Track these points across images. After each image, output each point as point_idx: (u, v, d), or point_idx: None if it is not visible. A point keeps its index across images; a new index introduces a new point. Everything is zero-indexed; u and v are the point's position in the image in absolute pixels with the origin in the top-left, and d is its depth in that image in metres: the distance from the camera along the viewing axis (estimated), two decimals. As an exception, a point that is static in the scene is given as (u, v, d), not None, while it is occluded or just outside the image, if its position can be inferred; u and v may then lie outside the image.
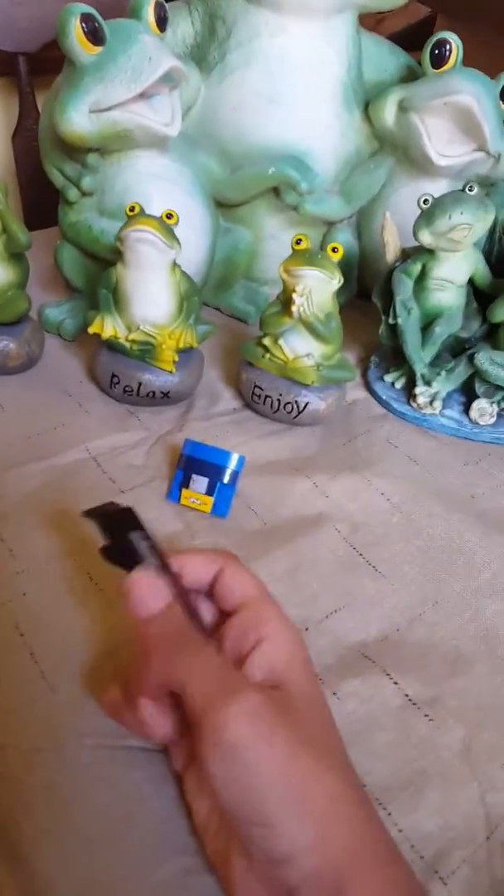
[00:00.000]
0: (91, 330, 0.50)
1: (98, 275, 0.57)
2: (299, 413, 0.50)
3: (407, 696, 0.36)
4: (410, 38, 0.85)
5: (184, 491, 0.45)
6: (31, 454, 0.48)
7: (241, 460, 0.45)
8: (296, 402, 0.50)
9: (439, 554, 0.44)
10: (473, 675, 0.38)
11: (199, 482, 0.45)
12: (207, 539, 0.43)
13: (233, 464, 0.45)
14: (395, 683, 0.37)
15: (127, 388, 0.51)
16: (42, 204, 0.86)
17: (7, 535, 0.42)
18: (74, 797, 0.31)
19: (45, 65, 0.79)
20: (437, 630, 0.40)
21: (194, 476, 0.45)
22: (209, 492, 0.45)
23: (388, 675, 0.37)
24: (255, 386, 0.51)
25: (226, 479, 0.45)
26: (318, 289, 0.46)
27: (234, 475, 0.45)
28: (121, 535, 0.32)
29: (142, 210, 0.46)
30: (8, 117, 0.88)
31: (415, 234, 0.49)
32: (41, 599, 0.39)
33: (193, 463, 0.45)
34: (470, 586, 0.43)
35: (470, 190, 0.47)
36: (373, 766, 0.33)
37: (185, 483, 0.45)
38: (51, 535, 0.43)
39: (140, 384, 0.51)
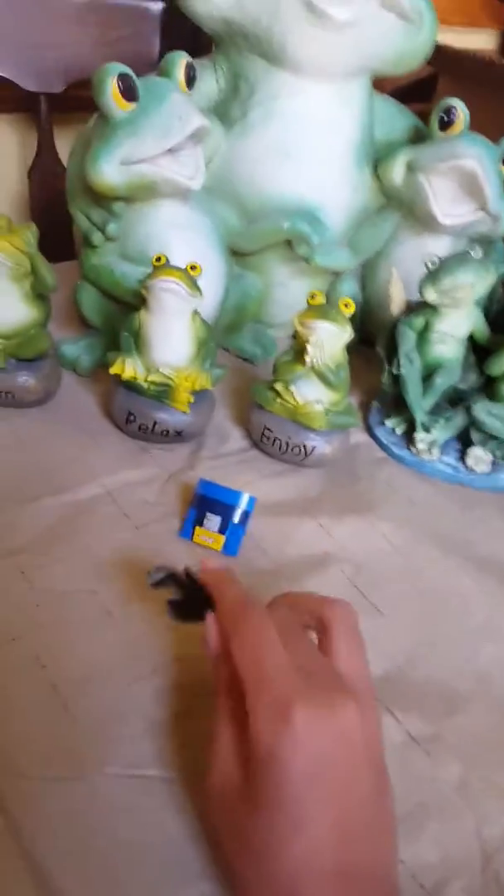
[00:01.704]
0: (112, 370, 0.52)
1: (116, 315, 0.59)
2: (307, 456, 0.53)
3: (408, 732, 0.39)
4: (413, 92, 0.90)
5: (197, 529, 0.47)
6: (48, 488, 0.50)
7: (253, 501, 0.47)
8: (304, 445, 0.53)
9: (436, 596, 0.47)
10: (470, 714, 0.40)
11: (213, 521, 0.47)
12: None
13: (244, 504, 0.47)
14: (398, 721, 0.39)
15: (142, 426, 0.54)
16: (55, 238, 0.89)
17: (26, 568, 0.44)
18: (96, 825, 0.33)
19: (66, 103, 0.82)
20: (436, 669, 0.42)
21: (208, 514, 0.47)
22: (221, 530, 0.47)
23: (390, 712, 0.39)
24: (265, 428, 0.54)
25: (237, 519, 0.47)
26: (330, 340, 0.49)
27: (246, 515, 0.47)
28: (188, 592, 0.35)
29: (167, 261, 0.49)
30: (25, 152, 0.91)
31: (420, 292, 0.52)
32: (60, 632, 0.41)
33: (207, 502, 0.47)
34: (465, 628, 0.45)
35: (473, 253, 0.50)
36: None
37: (199, 521, 0.47)
38: (68, 568, 0.44)
39: (155, 423, 0.53)
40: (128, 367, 0.52)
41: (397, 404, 0.58)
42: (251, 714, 0.28)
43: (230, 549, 0.47)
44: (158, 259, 0.49)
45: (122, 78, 0.49)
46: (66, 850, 0.32)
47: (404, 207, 0.61)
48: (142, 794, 0.34)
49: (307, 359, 0.48)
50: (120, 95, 0.49)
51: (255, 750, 0.28)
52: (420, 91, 0.95)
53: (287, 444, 0.53)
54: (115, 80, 0.48)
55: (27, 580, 0.43)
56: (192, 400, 0.52)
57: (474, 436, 0.55)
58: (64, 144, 0.86)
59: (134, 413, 0.54)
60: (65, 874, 0.31)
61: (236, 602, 0.33)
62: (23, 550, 0.45)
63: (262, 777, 0.28)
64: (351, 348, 0.51)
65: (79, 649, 0.40)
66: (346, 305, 0.48)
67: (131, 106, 0.50)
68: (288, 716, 0.28)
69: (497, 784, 0.38)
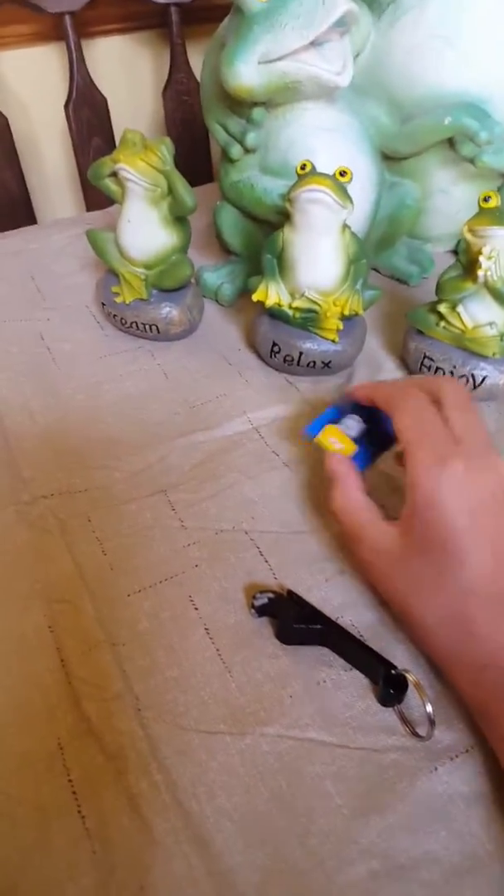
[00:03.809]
0: (255, 297, 0.48)
1: (258, 238, 0.55)
2: (476, 387, 0.47)
3: None
4: None
5: (328, 427, 0.38)
6: (196, 424, 0.48)
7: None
8: (472, 374, 0.46)
9: None
10: None
11: (353, 427, 0.38)
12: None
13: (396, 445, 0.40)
14: None
15: (287, 358, 0.50)
16: (193, 160, 0.85)
17: (177, 505, 0.42)
18: (255, 784, 0.31)
19: (197, 15, 0.77)
20: None
21: (350, 417, 0.39)
22: (358, 441, 0.38)
23: None
24: (426, 356, 0.48)
25: (382, 440, 0.39)
26: (508, 250, 0.41)
27: (390, 443, 0.39)
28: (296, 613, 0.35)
29: (313, 168, 0.43)
30: (159, 70, 0.87)
31: None
32: (213, 571, 0.39)
33: (358, 410, 0.39)
34: None
35: None
36: None
37: (335, 421, 0.39)
38: (218, 506, 0.42)
39: (301, 353, 0.49)
40: (271, 293, 0.47)
41: None
42: (411, 467, 0.32)
43: (361, 460, 0.38)
44: (303, 167, 0.43)
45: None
46: (222, 808, 0.30)
47: None
48: (303, 759, 0.31)
49: (479, 273, 0.42)
50: (256, -15, 0.43)
51: (415, 498, 0.32)
52: None
53: (452, 374, 0.47)
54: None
55: (178, 518, 0.42)
56: (341, 327, 0.47)
57: None
58: (198, 60, 0.81)
59: (279, 343, 0.50)
60: (221, 832, 0.29)
61: (395, 387, 0.36)
62: (174, 487, 0.43)
63: (423, 522, 0.31)
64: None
65: (231, 590, 0.38)
66: (527, 206, 0.41)
67: (268, -4, 0.44)
68: (448, 464, 0.31)
69: None
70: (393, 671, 0.33)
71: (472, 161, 0.52)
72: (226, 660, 0.35)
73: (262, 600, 0.36)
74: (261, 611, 0.36)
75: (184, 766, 0.31)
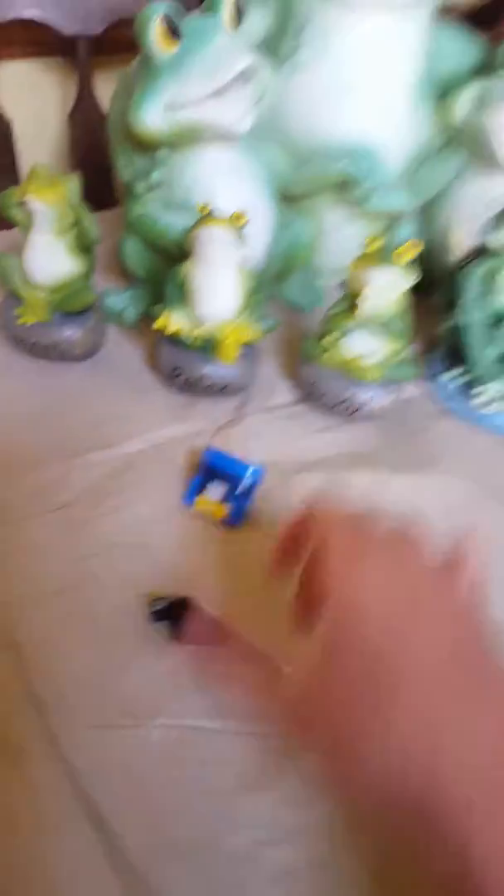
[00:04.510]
0: (157, 325, 0.51)
1: (161, 266, 0.58)
2: (357, 410, 0.51)
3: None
4: (481, 16, 0.83)
5: (199, 497, 0.46)
6: (96, 442, 0.50)
7: (259, 473, 0.46)
8: (354, 398, 0.51)
9: (492, 547, 0.45)
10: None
11: (216, 490, 0.46)
12: (266, 532, 0.45)
13: (250, 476, 0.46)
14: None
15: (188, 380, 0.53)
16: (98, 185, 0.87)
17: (74, 522, 0.44)
18: (149, 772, 0.34)
19: (106, 45, 0.80)
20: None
21: (211, 484, 0.46)
22: (225, 500, 0.46)
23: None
24: (314, 382, 0.52)
25: (241, 490, 0.46)
26: (389, 288, 0.46)
27: (251, 487, 0.46)
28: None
29: (212, 210, 0.47)
30: (65, 97, 0.89)
31: (485, 237, 0.49)
32: (111, 582, 0.41)
33: (212, 471, 0.46)
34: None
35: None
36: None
37: (201, 489, 0.46)
38: (117, 523, 0.44)
39: (201, 377, 0.52)
40: (173, 322, 0.50)
41: (457, 355, 0.55)
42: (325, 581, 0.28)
43: (233, 519, 0.45)
44: (203, 208, 0.47)
45: (166, 18, 0.46)
46: (119, 794, 0.33)
47: (469, 146, 0.57)
48: (190, 746, 0.34)
49: (360, 309, 0.46)
50: (163, 36, 0.46)
51: (329, 611, 0.27)
52: (490, 14, 0.88)
53: (337, 399, 0.52)
54: (159, 20, 0.46)
55: (76, 533, 0.44)
56: (238, 353, 0.51)
57: (536, 389, 0.53)
58: (105, 88, 0.84)
59: (180, 367, 0.53)
60: (118, 816, 0.32)
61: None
62: (71, 504, 0.45)
63: (339, 635, 0.27)
64: (408, 296, 0.48)
65: (129, 602, 0.40)
66: (405, 250, 0.45)
67: (175, 47, 0.47)
68: (362, 563, 0.28)
69: None
70: None
71: (360, 203, 0.57)
72: (122, 661, 0.37)
73: (159, 606, 0.38)
74: (158, 615, 0.38)
75: (83, 757, 0.34)
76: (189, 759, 0.34)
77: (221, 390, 0.53)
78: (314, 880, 0.31)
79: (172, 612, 0.38)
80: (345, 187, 0.57)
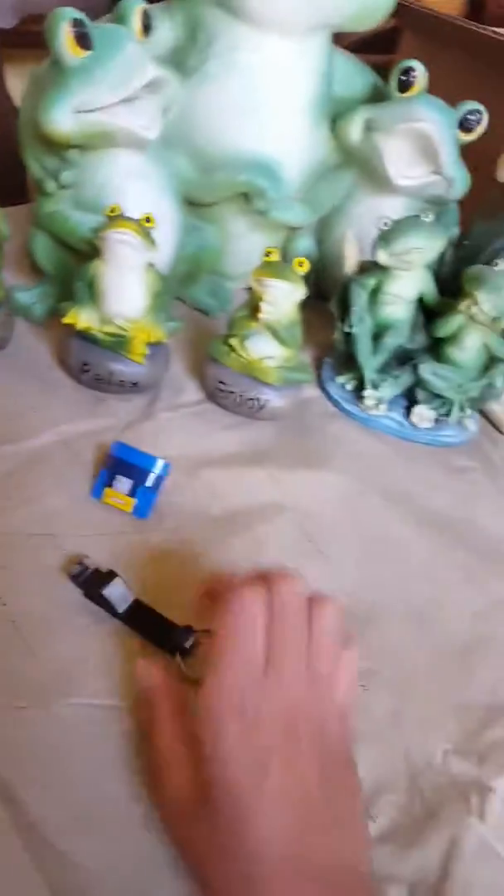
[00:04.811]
0: (66, 321, 0.52)
1: (71, 263, 0.59)
2: (260, 409, 0.55)
3: (347, 668, 0.42)
4: (377, 43, 0.89)
5: (107, 490, 0.47)
6: (3, 436, 0.51)
7: (167, 466, 0.48)
8: (257, 399, 0.54)
9: (378, 542, 0.50)
10: (404, 650, 0.44)
11: (123, 483, 0.47)
12: (174, 523, 0.47)
13: (158, 469, 0.48)
14: (338, 657, 0.42)
15: (97, 376, 0.54)
16: (7, 179, 0.86)
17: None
18: (59, 748, 0.35)
19: (15, 40, 0.80)
20: (375, 609, 0.46)
21: (118, 477, 0.48)
22: (132, 493, 0.47)
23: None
24: (220, 381, 0.55)
25: (149, 483, 0.48)
26: (284, 298, 0.50)
27: (159, 480, 0.48)
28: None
29: (121, 212, 0.49)
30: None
31: (373, 253, 0.53)
32: (20, 573, 0.42)
33: (119, 464, 0.48)
34: (404, 572, 0.48)
35: (425, 217, 0.52)
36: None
37: (109, 483, 0.48)
38: (26, 515, 0.46)
39: (111, 373, 0.54)
40: (82, 318, 0.52)
41: (348, 361, 0.60)
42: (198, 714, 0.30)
43: (140, 512, 0.47)
44: (112, 210, 0.49)
45: (76, 24, 0.48)
46: (30, 771, 0.34)
47: (361, 166, 0.62)
48: (101, 722, 0.37)
49: (260, 315, 0.50)
50: (73, 42, 0.48)
51: (201, 749, 0.30)
52: (384, 42, 0.94)
53: (241, 398, 0.55)
54: (68, 26, 0.47)
55: (-17, 528, 0.45)
56: (147, 352, 0.53)
57: (419, 394, 0.58)
58: (16, 81, 0.83)
59: (89, 363, 0.54)
60: (28, 790, 0.33)
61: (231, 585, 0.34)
62: (-22, 499, 0.46)
63: (211, 760, 0.29)
64: (306, 304, 0.52)
65: (39, 590, 0.42)
66: (300, 265, 0.49)
67: (85, 53, 0.49)
68: (238, 698, 0.30)
69: (425, 716, 0.41)
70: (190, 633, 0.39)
71: (262, 213, 0.60)
72: (32, 644, 0.39)
73: (80, 570, 0.41)
74: (81, 583, 0.41)
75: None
76: (99, 735, 0.36)
77: (131, 387, 0.55)
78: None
79: (91, 583, 0.41)
80: (247, 198, 0.60)
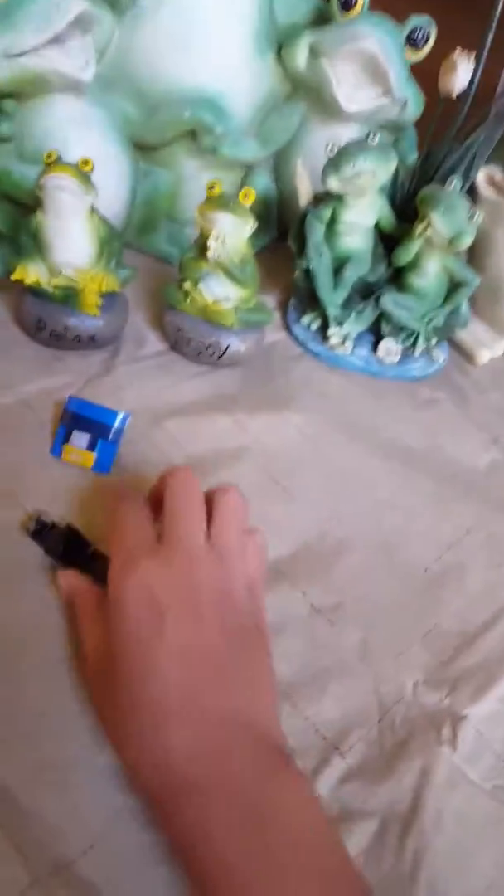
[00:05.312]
0: (14, 277, 0.51)
1: (21, 219, 0.58)
2: (221, 355, 0.53)
3: (312, 605, 0.41)
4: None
5: (65, 447, 0.47)
6: (-39, 399, 0.50)
7: (126, 418, 0.48)
8: (218, 343, 0.53)
9: (344, 477, 0.49)
10: (372, 582, 0.43)
11: (81, 438, 0.47)
12: (135, 474, 0.47)
13: (117, 422, 0.47)
14: (304, 594, 0.42)
15: (53, 333, 0.53)
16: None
17: None
18: (17, 701, 0.35)
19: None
20: (341, 542, 0.45)
21: (76, 432, 0.47)
22: (90, 448, 0.47)
23: (297, 587, 0.42)
24: (179, 329, 0.54)
25: (109, 437, 0.47)
26: (232, 233, 0.48)
27: (118, 433, 0.47)
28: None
29: (59, 157, 0.47)
30: None
31: (323, 181, 0.51)
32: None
33: (76, 419, 0.47)
34: (370, 503, 0.48)
35: (371, 138, 0.50)
36: (282, 667, 0.38)
37: (67, 439, 0.47)
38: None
39: (66, 328, 0.53)
40: (30, 272, 0.51)
41: (311, 300, 0.58)
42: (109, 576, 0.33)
43: (101, 466, 0.47)
44: (49, 156, 0.47)
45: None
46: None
47: (310, 94, 0.59)
48: (59, 677, 0.37)
49: (209, 254, 0.48)
50: (-10, -19, 0.46)
51: (108, 604, 0.32)
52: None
53: (201, 344, 0.54)
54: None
55: None
56: (100, 303, 0.52)
57: (384, 327, 0.56)
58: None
59: (44, 320, 0.53)
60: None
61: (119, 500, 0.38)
62: None
63: (113, 627, 0.32)
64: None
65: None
66: (245, 196, 0.47)
67: (5, -6, 0.47)
68: (134, 567, 0.32)
69: (394, 647, 0.41)
70: None
71: (211, 151, 0.58)
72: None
73: (38, 526, 0.41)
74: (41, 539, 0.40)
75: None
76: (57, 689, 0.36)
77: (89, 342, 0.54)
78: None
79: (50, 538, 0.40)
80: (195, 136, 0.58)
